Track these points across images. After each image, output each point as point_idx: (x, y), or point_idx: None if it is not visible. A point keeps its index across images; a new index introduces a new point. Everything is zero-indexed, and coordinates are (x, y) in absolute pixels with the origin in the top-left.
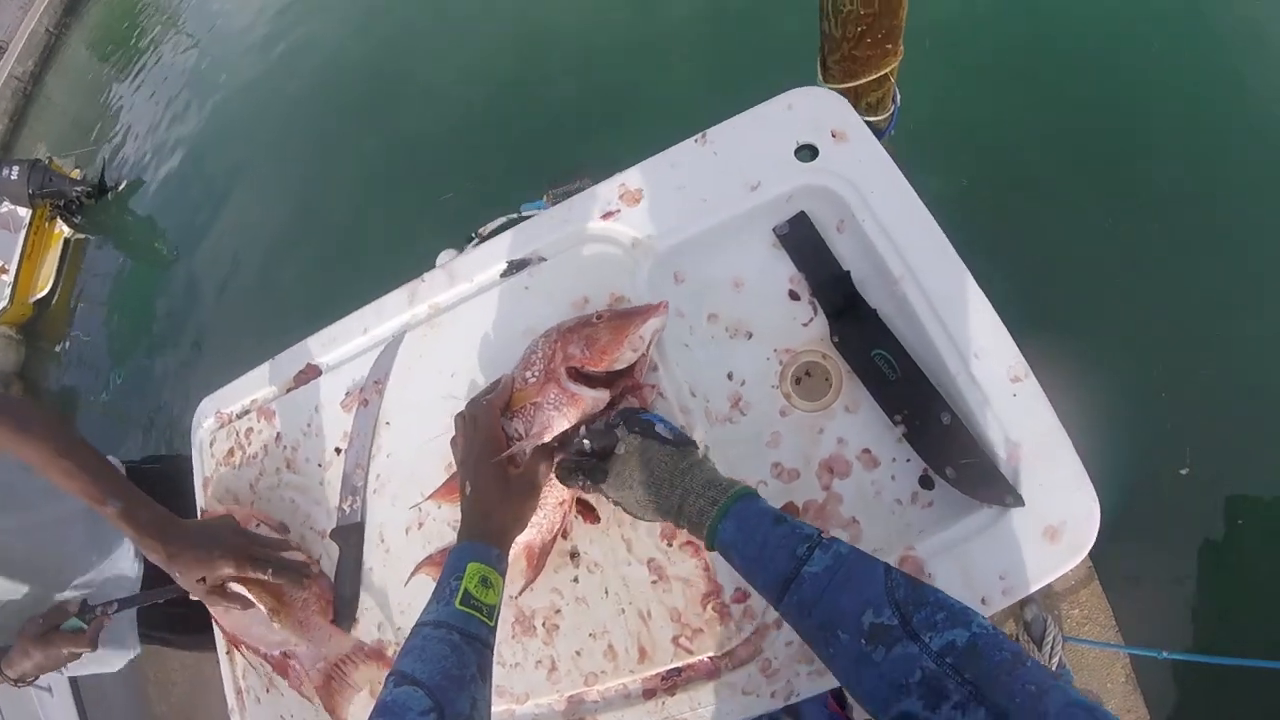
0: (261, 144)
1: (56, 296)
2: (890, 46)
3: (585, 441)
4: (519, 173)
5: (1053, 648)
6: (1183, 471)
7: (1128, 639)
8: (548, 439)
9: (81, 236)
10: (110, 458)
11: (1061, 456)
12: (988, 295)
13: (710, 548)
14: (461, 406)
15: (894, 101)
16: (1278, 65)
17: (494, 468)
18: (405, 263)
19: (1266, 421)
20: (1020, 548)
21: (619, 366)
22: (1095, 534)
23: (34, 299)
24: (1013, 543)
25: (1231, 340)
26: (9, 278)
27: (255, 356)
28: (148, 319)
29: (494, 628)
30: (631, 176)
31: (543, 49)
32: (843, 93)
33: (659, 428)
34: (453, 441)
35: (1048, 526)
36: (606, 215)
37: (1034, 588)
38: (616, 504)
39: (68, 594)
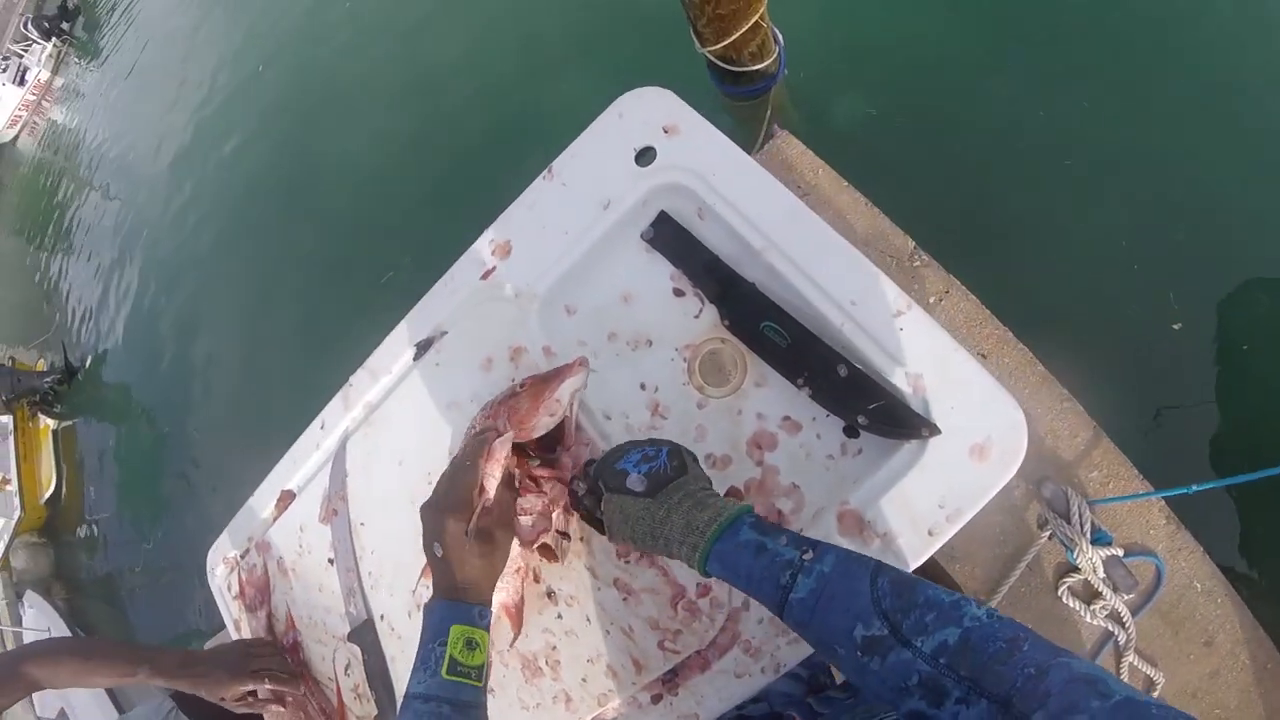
0: (200, 274)
1: (64, 489)
2: None
3: (584, 502)
4: (452, 228)
5: (1080, 515)
6: (1175, 326)
7: (1154, 484)
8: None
9: (67, 423)
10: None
11: (967, 376)
12: (919, 216)
13: (706, 579)
14: (417, 490)
15: (776, 43)
16: None
17: (461, 527)
18: (371, 347)
19: (1248, 247)
20: (952, 473)
21: (539, 433)
22: (1024, 440)
23: (44, 499)
24: (944, 470)
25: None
26: (13, 487)
27: (254, 479)
28: (152, 478)
29: (484, 686)
30: (497, 229)
31: (444, 96)
32: (723, 52)
33: (630, 479)
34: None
35: (973, 446)
36: (485, 274)
37: (977, 507)
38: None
39: None
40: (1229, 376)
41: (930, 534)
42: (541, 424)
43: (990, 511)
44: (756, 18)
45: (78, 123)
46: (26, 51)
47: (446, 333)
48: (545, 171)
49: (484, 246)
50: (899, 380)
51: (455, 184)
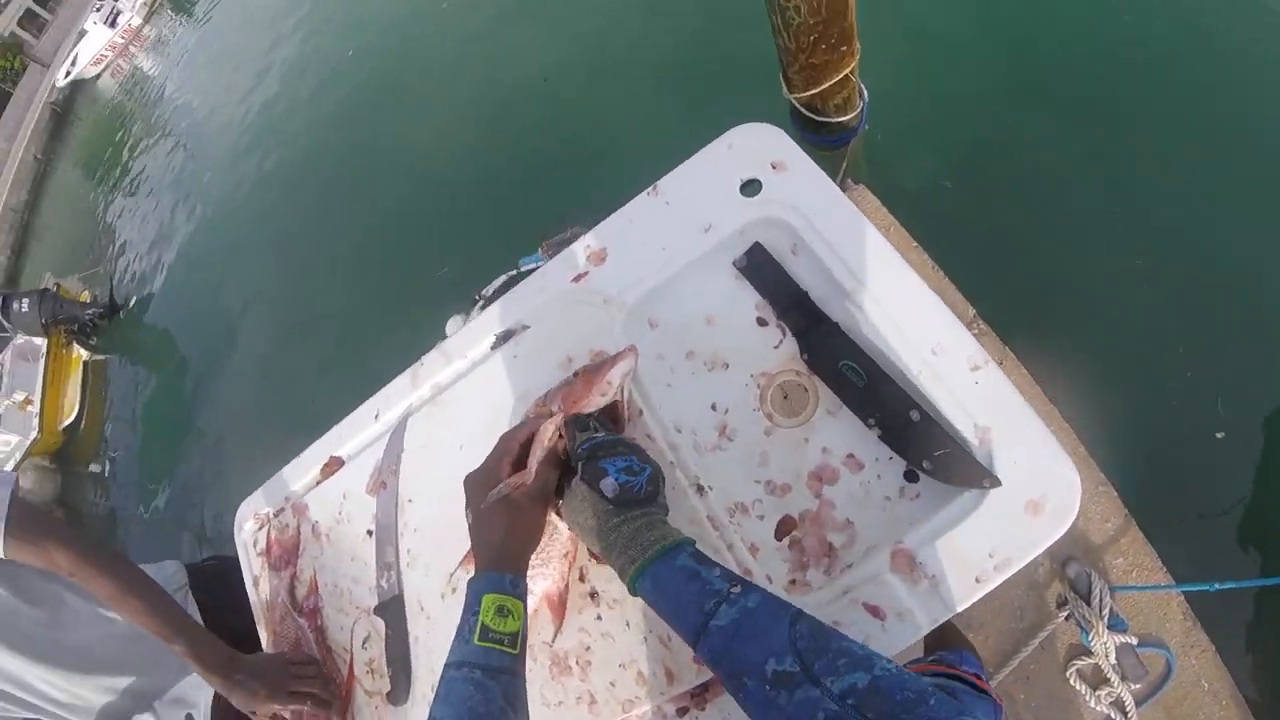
0: (256, 239)
1: (84, 420)
2: (845, 49)
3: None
4: (511, 230)
5: (1101, 600)
6: (1219, 435)
7: (1177, 578)
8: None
9: (99, 358)
10: (170, 562)
11: (1032, 434)
12: (981, 285)
13: (634, 595)
14: None
15: (861, 98)
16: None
17: (498, 501)
18: (415, 334)
19: None
20: (1006, 525)
21: (590, 409)
22: (1078, 502)
23: (62, 425)
24: (998, 521)
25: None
26: (35, 408)
27: (280, 449)
28: (174, 428)
29: (519, 654)
30: (593, 237)
31: (518, 106)
32: (809, 100)
33: (606, 482)
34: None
35: (1029, 501)
36: (577, 278)
37: (1025, 560)
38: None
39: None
40: (1263, 486)
41: (977, 580)
42: (594, 402)
43: (1012, 584)
44: (847, 71)
45: (159, 73)
46: None
47: (529, 327)
48: (650, 188)
49: (579, 251)
50: (967, 431)
51: (519, 190)
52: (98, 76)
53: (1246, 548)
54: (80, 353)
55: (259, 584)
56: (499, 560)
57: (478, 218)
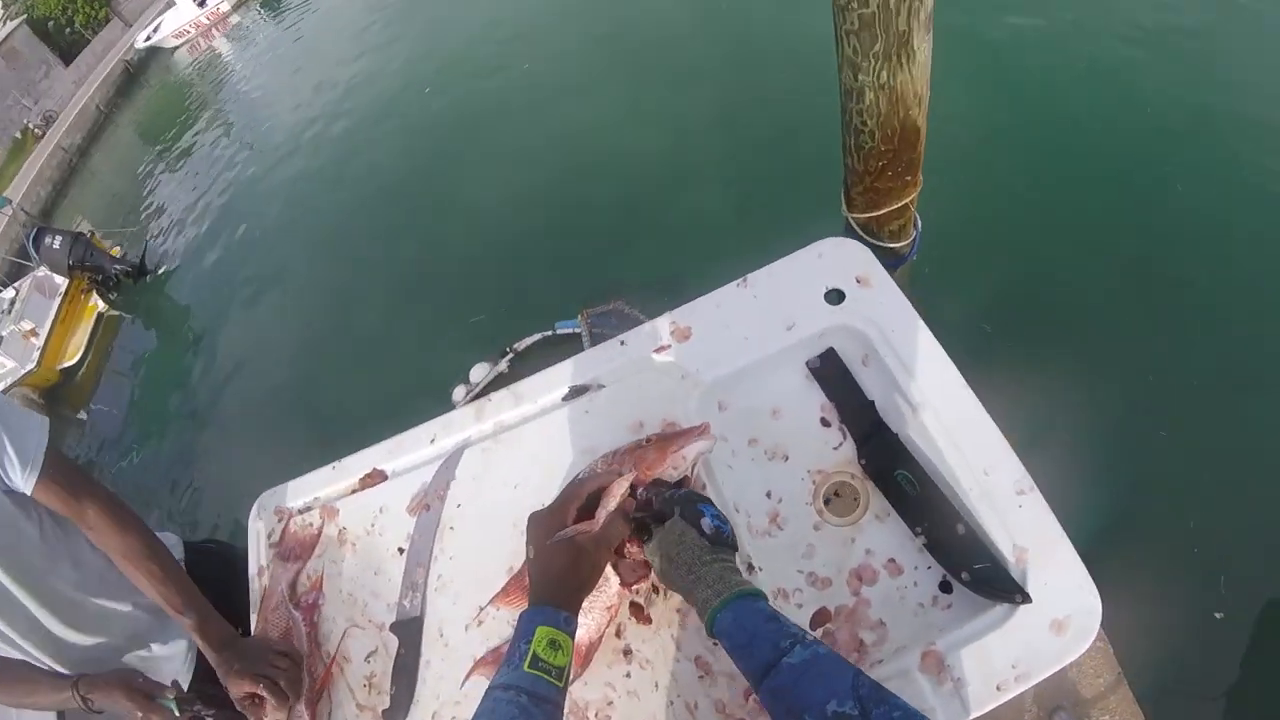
0: (299, 246)
1: (84, 367)
2: (910, 178)
3: (651, 498)
4: (551, 292)
5: None
6: (1217, 615)
7: None
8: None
9: (115, 313)
10: (170, 534)
11: (1064, 559)
12: (1012, 412)
13: (710, 632)
14: (522, 515)
15: (915, 228)
16: None
17: (565, 541)
18: (436, 371)
19: None
20: (1030, 639)
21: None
22: (1098, 625)
23: (61, 366)
24: (1023, 635)
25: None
26: (39, 340)
27: (272, 449)
28: (168, 400)
29: (564, 688)
30: (681, 315)
31: (582, 175)
32: (865, 222)
33: (704, 521)
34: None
35: (1054, 620)
36: (659, 349)
37: (1045, 674)
38: (647, 561)
39: (129, 659)
40: (1254, 668)
41: (998, 689)
42: (666, 474)
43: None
44: (908, 200)
45: (235, 62)
46: None
47: (605, 387)
48: (740, 280)
49: (664, 325)
50: (1006, 549)
51: (566, 256)
52: (175, 49)
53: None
54: (97, 303)
55: (262, 573)
56: (556, 597)
57: (523, 274)
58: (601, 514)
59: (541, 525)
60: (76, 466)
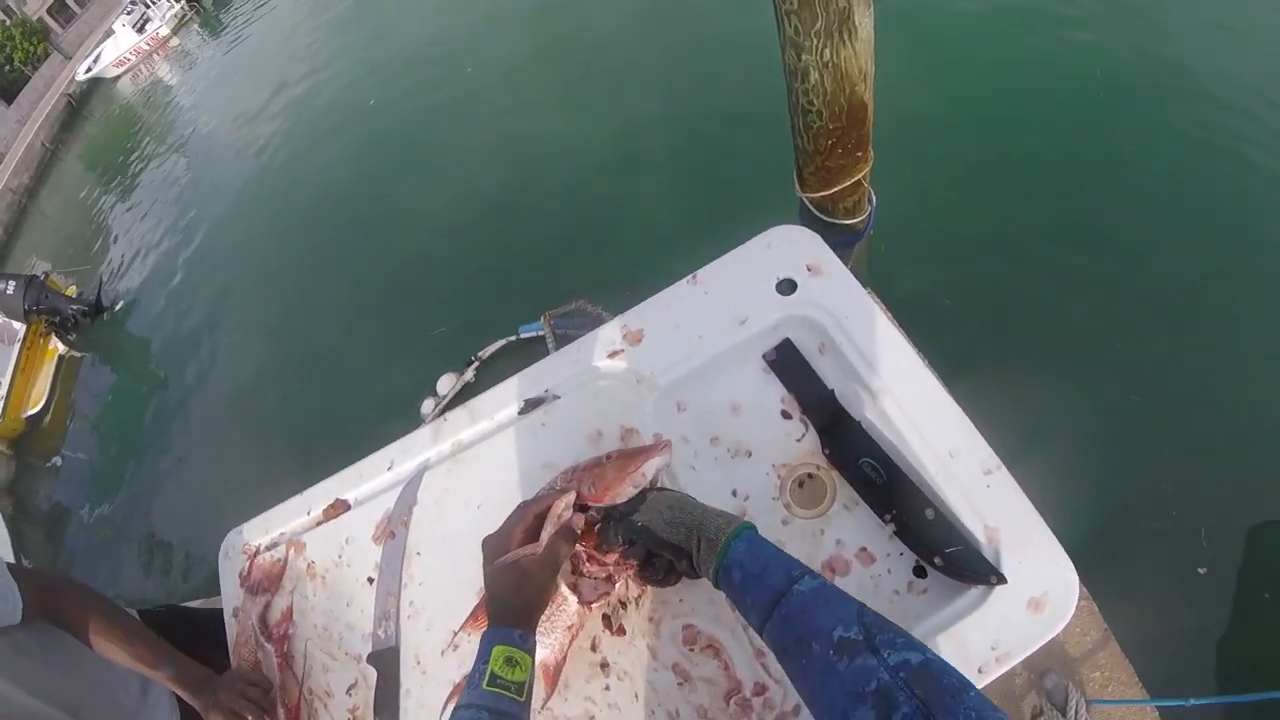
0: (256, 268)
1: (50, 413)
2: (860, 154)
3: (618, 507)
4: (513, 297)
5: (1077, 712)
6: (1201, 570)
7: (1152, 693)
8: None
9: (76, 354)
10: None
11: (1037, 537)
12: (980, 385)
13: (719, 564)
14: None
15: (870, 203)
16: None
17: (508, 565)
18: (403, 387)
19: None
20: (1008, 620)
21: (619, 501)
22: (1075, 602)
23: (27, 414)
24: (1001, 616)
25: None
26: (1, 390)
27: (244, 480)
28: (138, 439)
29: (525, 702)
30: (632, 318)
31: (533, 177)
32: (820, 200)
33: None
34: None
35: (1031, 599)
36: (612, 354)
37: (1025, 654)
38: (644, 526)
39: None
40: (1242, 610)
41: (980, 671)
42: (625, 493)
43: (989, 693)
44: (860, 176)
45: (178, 86)
46: (154, 3)
47: (560, 397)
48: (690, 276)
49: (615, 330)
50: (978, 531)
51: (525, 260)
52: (117, 78)
53: (1222, 666)
54: (57, 346)
55: (238, 614)
56: (509, 616)
57: (482, 281)
58: (544, 536)
59: (492, 548)
60: (41, 582)
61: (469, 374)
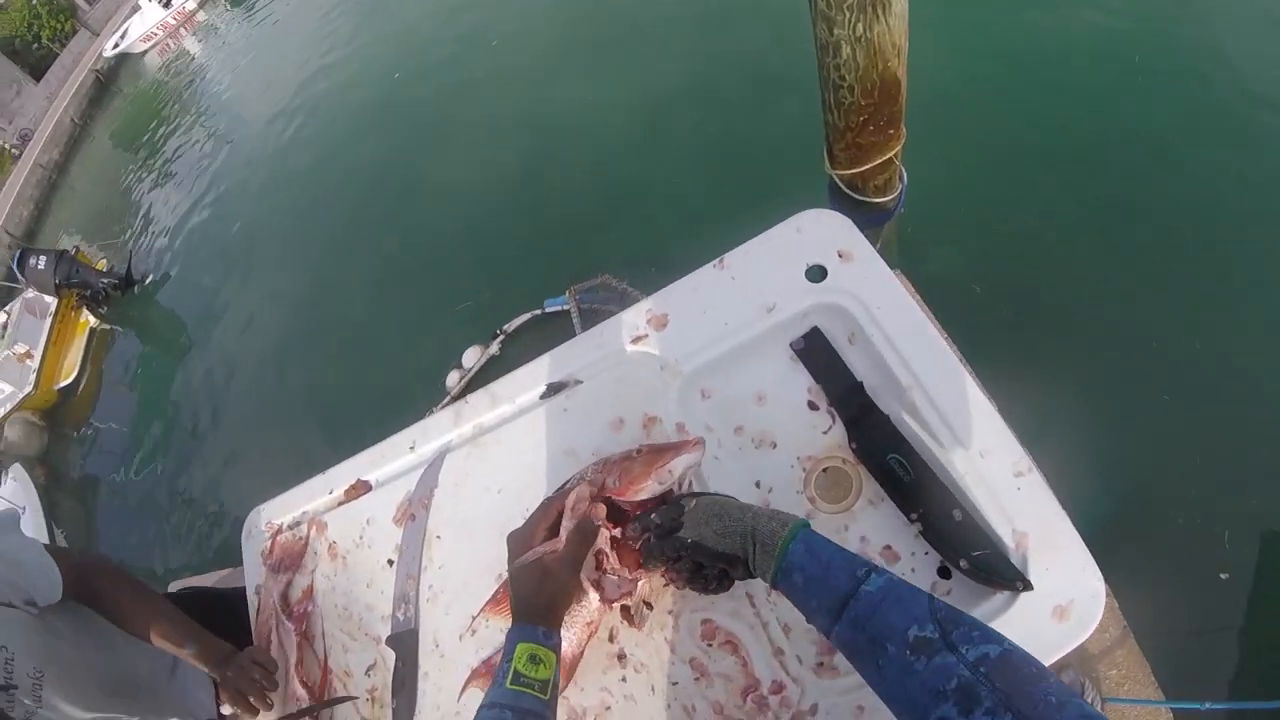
0: (283, 241)
1: (81, 385)
2: (893, 132)
3: (654, 518)
4: (539, 271)
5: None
6: (1223, 576)
7: (1168, 694)
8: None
9: (107, 327)
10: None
11: (1066, 543)
12: (1000, 383)
13: (778, 568)
14: (509, 522)
15: (900, 181)
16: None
17: (530, 564)
18: (429, 359)
19: None
20: (1032, 628)
21: (643, 496)
22: (1101, 611)
23: (59, 386)
24: (1025, 623)
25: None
26: (34, 363)
27: (272, 455)
28: (168, 411)
29: (549, 700)
30: (657, 302)
31: (558, 151)
32: (850, 178)
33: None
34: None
35: (1056, 606)
36: (636, 339)
37: (1047, 662)
38: (694, 542)
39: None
40: (1261, 616)
41: None
42: (649, 489)
43: None
44: (892, 154)
45: (206, 61)
46: None
47: (582, 382)
48: (717, 261)
49: (639, 314)
50: (1005, 534)
51: (551, 234)
52: (145, 53)
53: (1239, 672)
54: (89, 319)
55: (260, 591)
56: (532, 614)
57: (507, 255)
58: (563, 531)
59: (513, 546)
60: (73, 561)
61: (494, 347)
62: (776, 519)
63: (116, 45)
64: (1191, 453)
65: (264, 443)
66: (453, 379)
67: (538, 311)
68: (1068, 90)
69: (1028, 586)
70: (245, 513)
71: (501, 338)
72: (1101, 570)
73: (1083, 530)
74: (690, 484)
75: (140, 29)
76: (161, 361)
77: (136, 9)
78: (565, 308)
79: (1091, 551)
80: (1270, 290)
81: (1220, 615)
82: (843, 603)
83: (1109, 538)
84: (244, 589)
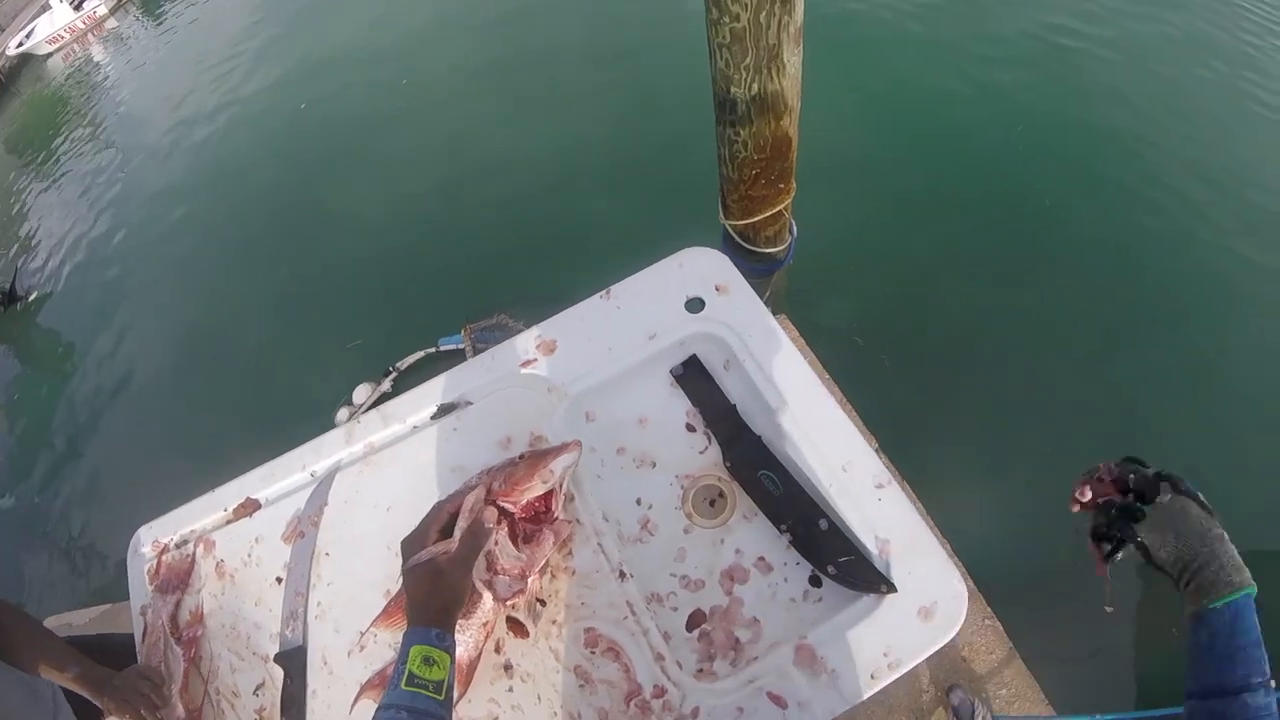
0: (175, 263)
1: None
2: (783, 185)
3: (1130, 480)
4: (435, 308)
5: None
6: (1108, 609)
7: (1058, 709)
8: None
9: None
10: None
11: (926, 548)
12: (883, 420)
13: (1197, 617)
14: (399, 539)
15: (791, 233)
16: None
17: (423, 564)
18: (319, 394)
19: None
20: (899, 628)
21: (529, 496)
22: (964, 611)
23: None
24: (892, 624)
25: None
26: None
27: (159, 480)
28: (48, 435)
29: (444, 700)
30: (547, 329)
31: (462, 191)
32: (742, 229)
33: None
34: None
35: (921, 608)
36: (525, 363)
37: (916, 660)
38: (1141, 542)
39: None
40: (1143, 632)
41: (872, 677)
42: (534, 488)
43: (896, 710)
44: (781, 207)
45: (112, 70)
46: None
47: (472, 404)
48: (604, 292)
49: (529, 339)
50: (869, 541)
51: (446, 271)
52: (49, 56)
53: (1126, 683)
54: None
55: (145, 611)
56: (426, 615)
57: (404, 291)
58: (457, 532)
59: (406, 549)
60: None
61: (386, 384)
62: (1229, 568)
63: (20, 44)
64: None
65: (147, 471)
66: (343, 415)
67: (432, 349)
68: (955, 151)
69: (892, 589)
70: (123, 546)
71: (394, 375)
72: (986, 594)
73: (969, 558)
74: (566, 485)
75: (47, 30)
76: (42, 382)
77: (46, 8)
78: (460, 346)
79: (972, 573)
80: (1145, 334)
81: (1104, 636)
82: (1218, 692)
83: (994, 566)
84: (124, 634)
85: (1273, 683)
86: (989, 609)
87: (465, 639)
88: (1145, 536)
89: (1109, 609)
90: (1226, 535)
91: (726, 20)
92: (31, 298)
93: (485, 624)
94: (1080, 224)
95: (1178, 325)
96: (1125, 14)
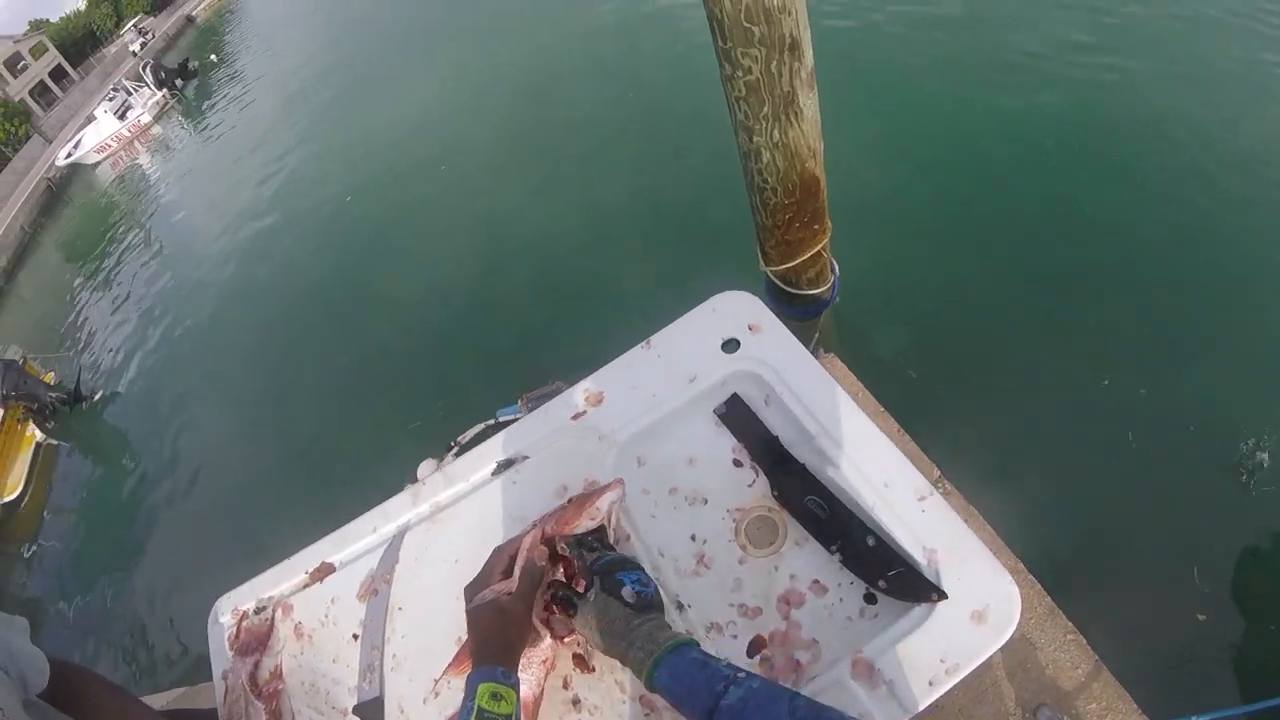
0: (231, 360)
1: (26, 500)
2: (818, 226)
3: (574, 558)
4: (490, 382)
5: None
6: (1200, 618)
7: (1153, 717)
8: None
9: (53, 442)
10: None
11: (973, 553)
12: (945, 449)
13: (650, 689)
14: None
15: (833, 272)
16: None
17: (486, 604)
18: (383, 475)
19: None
20: (954, 633)
21: (579, 532)
22: (1018, 611)
23: (2, 501)
24: (947, 630)
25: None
26: None
27: (221, 571)
28: (116, 531)
29: None
30: (593, 381)
31: (507, 264)
32: (784, 273)
33: (625, 590)
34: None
35: (974, 611)
36: (576, 416)
37: (974, 665)
38: (582, 629)
39: None
40: (1235, 631)
41: (930, 684)
42: (582, 525)
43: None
44: (819, 247)
45: (158, 175)
46: (135, 91)
47: (529, 458)
48: (644, 342)
49: (579, 393)
50: (916, 553)
51: (500, 345)
52: (97, 164)
53: (1222, 684)
54: (35, 433)
55: (227, 676)
56: (491, 654)
57: (460, 367)
58: (516, 571)
59: (471, 592)
60: (68, 671)
61: (449, 459)
62: (645, 648)
63: (70, 155)
64: (1145, 497)
65: (214, 560)
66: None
67: (491, 422)
68: (984, 170)
69: (943, 596)
70: (198, 632)
71: (456, 450)
72: (1063, 607)
73: (1038, 572)
74: (617, 519)
75: (94, 139)
76: (110, 479)
77: (91, 119)
78: (517, 416)
79: (1049, 589)
80: (1201, 345)
81: (1195, 638)
82: (708, 716)
83: (1068, 576)
84: (208, 709)
85: (739, 674)
86: (1069, 623)
87: (527, 677)
88: (581, 633)
89: (1201, 617)
90: (652, 618)
91: (740, 74)
92: (96, 397)
93: (545, 660)
94: (1121, 230)
95: (1243, 325)
96: (1138, 16)
